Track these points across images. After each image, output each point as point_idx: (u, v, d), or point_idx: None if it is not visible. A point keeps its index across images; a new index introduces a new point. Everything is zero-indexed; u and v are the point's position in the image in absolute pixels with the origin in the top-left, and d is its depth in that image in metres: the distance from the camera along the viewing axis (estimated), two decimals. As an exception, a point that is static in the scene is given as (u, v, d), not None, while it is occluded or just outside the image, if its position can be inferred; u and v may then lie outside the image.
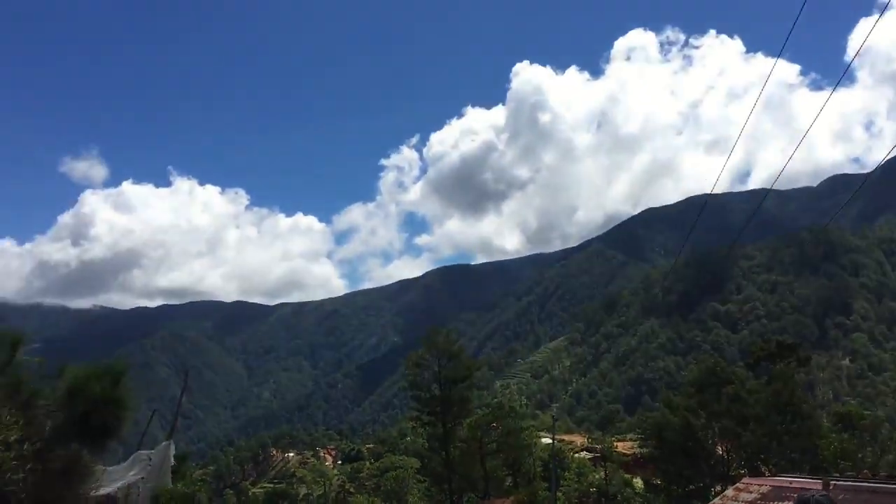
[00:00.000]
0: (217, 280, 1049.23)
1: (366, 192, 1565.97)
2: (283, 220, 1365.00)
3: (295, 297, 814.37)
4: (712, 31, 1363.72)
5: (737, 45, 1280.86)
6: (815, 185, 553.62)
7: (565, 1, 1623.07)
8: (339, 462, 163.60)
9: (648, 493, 56.98)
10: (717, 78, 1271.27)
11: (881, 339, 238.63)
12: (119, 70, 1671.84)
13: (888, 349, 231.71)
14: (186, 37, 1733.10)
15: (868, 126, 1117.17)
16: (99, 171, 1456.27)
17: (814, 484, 22.03)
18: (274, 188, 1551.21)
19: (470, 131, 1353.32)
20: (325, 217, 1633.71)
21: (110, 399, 7.30)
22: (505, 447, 62.22)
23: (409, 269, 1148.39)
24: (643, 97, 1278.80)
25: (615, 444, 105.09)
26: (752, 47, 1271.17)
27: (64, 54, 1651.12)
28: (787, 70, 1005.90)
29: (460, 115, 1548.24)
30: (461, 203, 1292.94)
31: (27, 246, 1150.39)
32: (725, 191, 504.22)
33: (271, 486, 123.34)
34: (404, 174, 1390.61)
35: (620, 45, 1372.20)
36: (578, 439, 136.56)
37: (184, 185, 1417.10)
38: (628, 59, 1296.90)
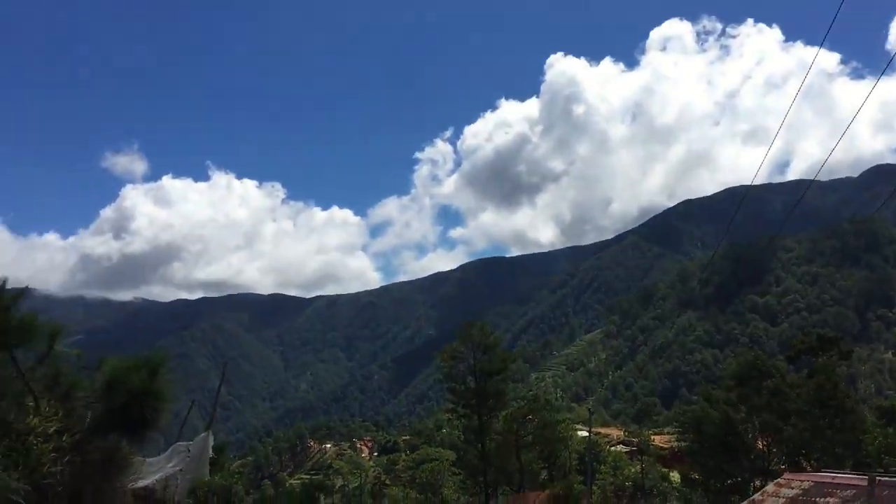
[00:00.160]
0: (254, 273, 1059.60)
1: (400, 185, 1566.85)
2: (318, 214, 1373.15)
3: (330, 290, 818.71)
4: (750, 20, 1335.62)
5: (775, 33, 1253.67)
6: (855, 175, 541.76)
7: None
8: (376, 453, 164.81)
9: (686, 487, 56.39)
10: (754, 67, 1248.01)
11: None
12: (158, 66, 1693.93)
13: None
14: (223, 33, 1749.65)
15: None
16: (139, 165, 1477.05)
17: (857, 480, 21.56)
18: (310, 182, 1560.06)
19: (504, 124, 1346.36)
20: (360, 210, 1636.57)
21: (148, 391, 7.30)
22: (540, 440, 62.05)
23: (443, 261, 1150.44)
24: (679, 88, 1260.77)
25: (652, 437, 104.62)
26: (790, 36, 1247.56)
27: (104, 51, 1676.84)
28: (828, 59, 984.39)
29: (494, 108, 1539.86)
30: (495, 196, 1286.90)
31: (70, 240, 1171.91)
32: (764, 182, 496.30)
33: (308, 477, 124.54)
34: (438, 167, 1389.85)
35: (656, 35, 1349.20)
36: (615, 432, 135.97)
37: (221, 179, 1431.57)
38: (664, 49, 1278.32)
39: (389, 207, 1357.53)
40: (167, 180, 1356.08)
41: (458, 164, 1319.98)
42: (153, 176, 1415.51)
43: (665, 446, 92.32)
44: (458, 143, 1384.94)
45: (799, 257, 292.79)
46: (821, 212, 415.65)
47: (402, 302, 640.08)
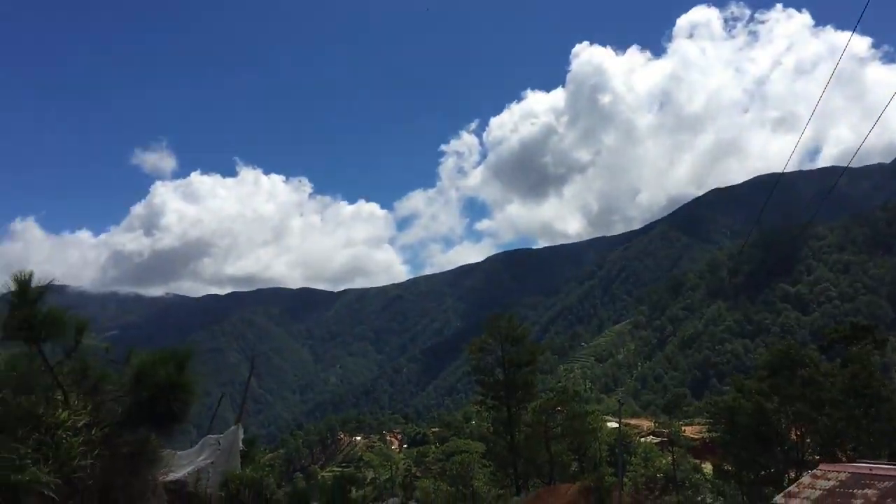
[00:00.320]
0: (283, 267, 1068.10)
1: (426, 178, 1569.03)
2: (345, 208, 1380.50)
3: (358, 284, 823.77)
4: (778, 5, 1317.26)
5: (804, 18, 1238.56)
6: (888, 161, 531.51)
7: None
8: (405, 446, 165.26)
9: (718, 478, 55.84)
10: (784, 53, 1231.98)
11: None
12: (185, 63, 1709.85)
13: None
14: (249, 31, 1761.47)
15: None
16: (168, 162, 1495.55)
17: (894, 470, 21.14)
18: (336, 176, 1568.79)
19: (530, 115, 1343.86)
20: (386, 204, 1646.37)
21: (176, 384, 7.26)
22: (570, 431, 61.78)
23: (470, 254, 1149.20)
24: (707, 75, 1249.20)
25: (683, 428, 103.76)
26: (820, 21, 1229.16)
27: (133, 50, 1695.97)
28: (859, 43, 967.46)
29: (520, 99, 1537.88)
30: (522, 187, 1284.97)
31: (102, 237, 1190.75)
32: (794, 169, 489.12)
33: (339, 469, 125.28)
34: (464, 159, 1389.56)
35: (683, 22, 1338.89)
36: (645, 423, 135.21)
37: (249, 174, 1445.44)
38: (691, 36, 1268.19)
39: (416, 200, 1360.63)
40: (196, 176, 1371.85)
41: (484, 155, 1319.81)
42: (182, 172, 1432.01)
43: (696, 437, 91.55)
44: (484, 134, 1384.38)
45: (830, 245, 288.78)
46: (852, 199, 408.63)
47: (429, 295, 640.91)
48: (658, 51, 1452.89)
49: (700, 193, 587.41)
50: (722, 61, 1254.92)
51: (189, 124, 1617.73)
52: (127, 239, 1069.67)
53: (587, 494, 47.79)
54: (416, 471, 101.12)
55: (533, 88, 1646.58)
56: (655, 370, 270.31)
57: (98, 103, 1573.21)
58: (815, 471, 24.93)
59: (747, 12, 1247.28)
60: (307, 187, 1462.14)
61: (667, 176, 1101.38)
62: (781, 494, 24.11)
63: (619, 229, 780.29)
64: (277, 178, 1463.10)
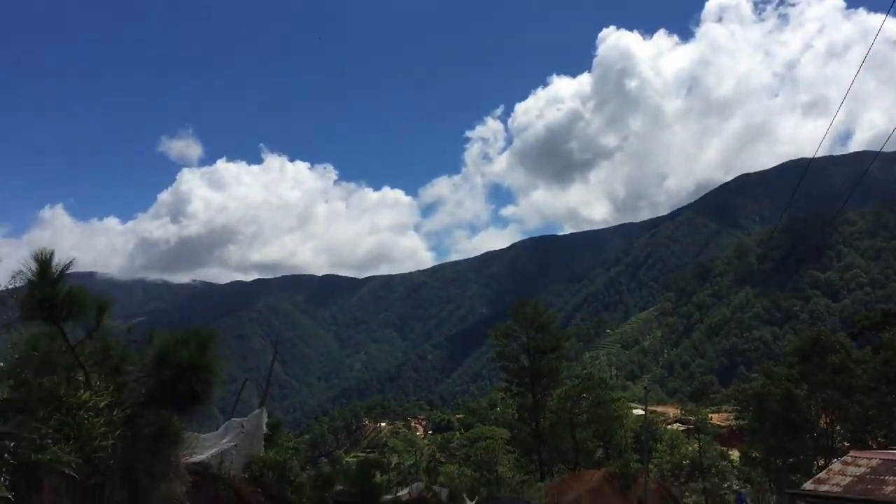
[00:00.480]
0: (308, 254, 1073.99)
1: (451, 164, 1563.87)
2: (370, 194, 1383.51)
3: (383, 270, 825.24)
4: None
5: (836, 1, 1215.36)
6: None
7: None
8: (430, 432, 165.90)
9: (745, 465, 55.44)
10: (815, 36, 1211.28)
11: None
12: (212, 52, 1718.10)
13: None
14: (274, 17, 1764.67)
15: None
16: (194, 149, 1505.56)
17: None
18: (361, 163, 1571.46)
19: (555, 100, 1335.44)
20: (411, 190, 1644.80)
21: (198, 364, 7.19)
22: (595, 418, 61.64)
23: (495, 240, 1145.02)
24: (736, 59, 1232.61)
25: (710, 416, 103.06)
26: (852, 3, 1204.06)
27: (159, 38, 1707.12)
28: (892, 26, 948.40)
29: (545, 85, 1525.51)
30: (547, 173, 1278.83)
31: (129, 224, 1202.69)
32: (824, 154, 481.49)
33: (364, 454, 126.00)
34: (489, 145, 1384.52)
35: (711, 5, 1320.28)
36: (671, 411, 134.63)
37: (274, 162, 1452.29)
38: (720, 20, 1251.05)
39: (441, 187, 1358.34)
40: (222, 164, 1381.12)
41: (509, 141, 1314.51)
42: (208, 160, 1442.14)
43: (723, 425, 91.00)
44: (509, 120, 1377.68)
45: (861, 231, 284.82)
46: (884, 184, 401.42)
47: (454, 281, 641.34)
48: (686, 35, 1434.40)
49: (728, 179, 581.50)
50: (751, 45, 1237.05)
51: (215, 112, 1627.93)
52: (154, 226, 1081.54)
53: (612, 480, 47.64)
54: (440, 456, 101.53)
55: (559, 74, 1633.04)
56: (682, 357, 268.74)
57: (125, 91, 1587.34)
58: (845, 457, 24.57)
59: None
60: (332, 174, 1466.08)
61: (694, 161, 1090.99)
62: (811, 481, 23.81)
63: (645, 215, 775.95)
64: (303, 165, 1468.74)
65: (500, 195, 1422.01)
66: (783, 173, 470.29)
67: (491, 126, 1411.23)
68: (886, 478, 21.10)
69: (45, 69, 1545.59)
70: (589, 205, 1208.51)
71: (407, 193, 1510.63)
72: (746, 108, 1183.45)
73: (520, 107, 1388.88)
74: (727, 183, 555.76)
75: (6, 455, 5.69)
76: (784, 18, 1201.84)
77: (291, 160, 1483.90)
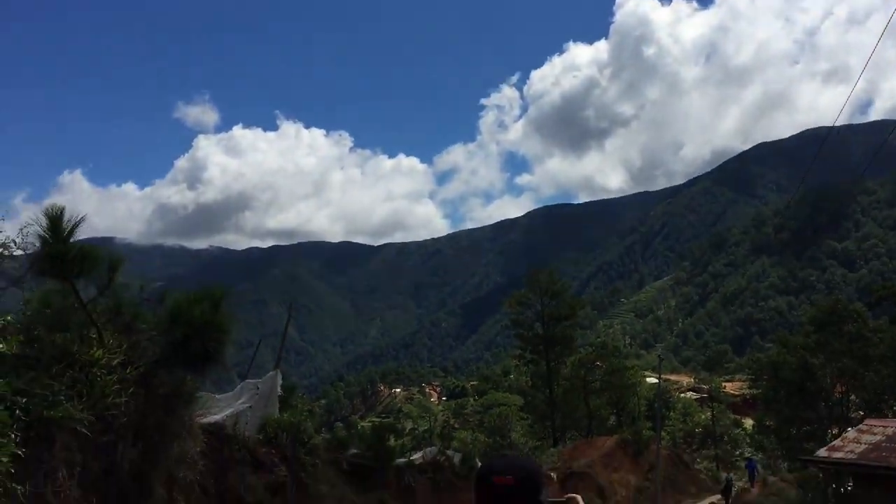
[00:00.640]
0: (323, 221, 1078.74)
1: (466, 132, 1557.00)
2: (385, 162, 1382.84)
3: (398, 238, 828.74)
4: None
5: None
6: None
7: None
8: (444, 398, 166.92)
9: (758, 434, 55.47)
10: (836, 3, 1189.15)
11: None
12: (228, 18, 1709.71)
13: None
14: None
15: None
16: (211, 116, 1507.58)
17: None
18: (376, 130, 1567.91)
19: (572, 67, 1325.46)
20: (426, 158, 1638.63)
21: (211, 323, 7.14)
22: (609, 386, 61.80)
23: (510, 208, 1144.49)
24: (755, 26, 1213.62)
25: (723, 384, 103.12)
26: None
27: (175, 4, 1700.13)
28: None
29: (562, 52, 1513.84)
30: (562, 141, 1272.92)
31: (147, 190, 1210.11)
32: (844, 123, 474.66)
33: (379, 420, 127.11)
34: (505, 113, 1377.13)
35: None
36: (685, 379, 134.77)
37: (290, 128, 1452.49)
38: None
39: (456, 154, 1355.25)
40: (237, 130, 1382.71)
41: (524, 109, 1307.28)
42: (224, 126, 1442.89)
43: (736, 394, 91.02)
44: (525, 88, 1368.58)
45: (880, 201, 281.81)
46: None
47: (469, 249, 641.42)
48: (705, 1, 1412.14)
49: (746, 148, 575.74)
50: (771, 11, 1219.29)
51: (231, 79, 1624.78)
52: (171, 192, 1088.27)
53: (624, 447, 47.88)
54: (454, 422, 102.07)
55: (575, 40, 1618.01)
56: (696, 327, 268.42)
57: (140, 56, 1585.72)
58: (860, 426, 24.48)
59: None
60: (348, 141, 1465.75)
61: (712, 130, 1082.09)
62: (825, 448, 23.75)
63: (661, 184, 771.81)
64: (318, 132, 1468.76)
65: (515, 163, 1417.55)
66: (802, 142, 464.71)
67: (506, 93, 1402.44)
68: (902, 446, 21.00)
69: (60, 35, 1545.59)
70: (604, 173, 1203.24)
71: (422, 161, 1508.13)
72: (765, 75, 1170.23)
73: (536, 74, 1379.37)
74: (745, 152, 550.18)
75: (18, 411, 5.69)
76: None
77: (307, 127, 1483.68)
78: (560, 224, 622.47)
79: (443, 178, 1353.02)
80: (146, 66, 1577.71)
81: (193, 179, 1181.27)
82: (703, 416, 73.36)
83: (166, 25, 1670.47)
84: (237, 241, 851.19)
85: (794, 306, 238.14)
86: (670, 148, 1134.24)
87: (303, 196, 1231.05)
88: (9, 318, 6.76)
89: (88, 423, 6.19)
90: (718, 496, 38.39)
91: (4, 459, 5.26)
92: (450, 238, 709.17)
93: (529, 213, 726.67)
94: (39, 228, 6.54)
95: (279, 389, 14.59)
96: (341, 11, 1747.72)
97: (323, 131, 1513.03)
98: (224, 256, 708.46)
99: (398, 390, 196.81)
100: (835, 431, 40.53)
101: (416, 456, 24.41)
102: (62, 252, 6.45)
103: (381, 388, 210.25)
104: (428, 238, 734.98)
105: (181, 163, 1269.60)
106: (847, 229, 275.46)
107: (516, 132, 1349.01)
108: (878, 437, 21.90)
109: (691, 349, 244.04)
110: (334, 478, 14.55)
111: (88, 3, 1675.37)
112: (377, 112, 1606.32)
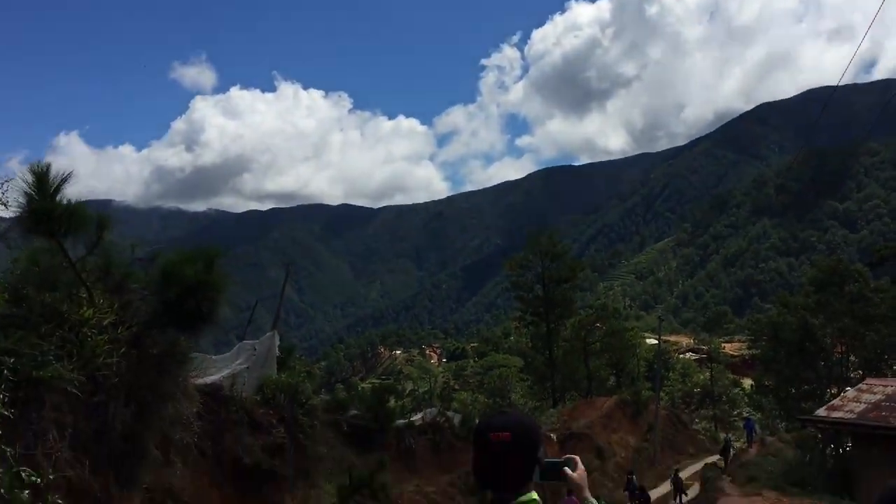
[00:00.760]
0: (323, 183, 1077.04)
1: (467, 93, 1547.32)
2: (385, 123, 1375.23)
3: (398, 200, 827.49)
4: None
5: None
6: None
7: None
8: (444, 360, 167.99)
9: (757, 394, 55.80)
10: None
11: None
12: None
13: None
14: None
15: None
16: (208, 77, 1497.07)
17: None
18: (376, 91, 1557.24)
19: (573, 27, 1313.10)
20: (426, 119, 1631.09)
21: (204, 282, 6.97)
22: (608, 347, 62.21)
23: (510, 170, 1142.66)
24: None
25: (722, 345, 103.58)
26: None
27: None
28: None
29: (563, 10, 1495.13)
30: (564, 102, 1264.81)
31: (144, 152, 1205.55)
32: (848, 82, 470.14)
33: (379, 381, 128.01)
34: (505, 74, 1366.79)
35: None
36: (684, 340, 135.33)
37: (288, 89, 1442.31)
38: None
39: (456, 116, 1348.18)
40: (235, 91, 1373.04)
41: (525, 70, 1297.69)
42: (221, 87, 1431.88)
43: (736, 354, 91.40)
44: (526, 48, 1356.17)
45: (884, 162, 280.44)
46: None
47: (469, 211, 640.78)
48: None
49: (749, 108, 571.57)
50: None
51: (228, 38, 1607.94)
52: (169, 154, 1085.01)
53: (624, 407, 48.27)
54: (454, 384, 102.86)
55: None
56: (697, 288, 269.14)
57: (136, 15, 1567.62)
58: (860, 385, 24.50)
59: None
60: (347, 102, 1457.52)
61: (714, 90, 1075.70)
62: (824, 407, 23.78)
63: (663, 145, 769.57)
64: (317, 94, 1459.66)
65: (515, 125, 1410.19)
66: (806, 102, 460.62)
67: (507, 54, 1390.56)
68: (902, 406, 21.00)
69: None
70: (606, 135, 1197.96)
71: (422, 123, 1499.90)
72: (769, 35, 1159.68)
73: (537, 33, 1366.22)
74: (748, 112, 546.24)
75: (6, 371, 5.56)
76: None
77: (305, 88, 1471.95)
78: (561, 186, 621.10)
79: (443, 139, 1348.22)
80: (142, 24, 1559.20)
81: (191, 141, 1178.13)
82: (701, 377, 73.80)
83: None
84: (236, 204, 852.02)
85: (794, 268, 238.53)
86: (672, 109, 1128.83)
87: (302, 158, 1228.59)
88: (-4, 276, 6.60)
89: (79, 383, 6.05)
90: (717, 456, 38.66)
91: (-8, 421, 5.14)
92: (450, 200, 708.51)
93: (530, 174, 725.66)
94: (25, 185, 6.34)
95: (277, 350, 14.51)
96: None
97: (321, 92, 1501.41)
98: (222, 219, 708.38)
99: (398, 352, 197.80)
100: (833, 391, 40.69)
101: (416, 417, 24.47)
102: (48, 209, 6.27)
103: (382, 350, 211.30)
104: (428, 200, 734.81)
105: (178, 124, 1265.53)
106: (849, 189, 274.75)
107: (517, 93, 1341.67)
108: (877, 397, 21.90)
109: (691, 311, 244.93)
110: (333, 439, 14.54)
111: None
112: (377, 73, 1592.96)
